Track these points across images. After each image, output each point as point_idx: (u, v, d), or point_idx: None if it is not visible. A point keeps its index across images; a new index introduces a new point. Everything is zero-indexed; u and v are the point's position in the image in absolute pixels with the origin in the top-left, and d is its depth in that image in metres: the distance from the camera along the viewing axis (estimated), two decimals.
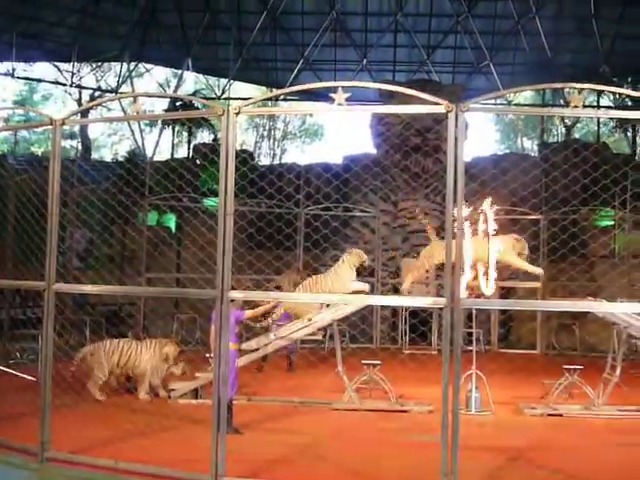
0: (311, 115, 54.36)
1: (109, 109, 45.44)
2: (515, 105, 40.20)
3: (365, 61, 42.22)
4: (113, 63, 44.07)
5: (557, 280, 24.02)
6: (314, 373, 16.34)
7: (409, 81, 35.21)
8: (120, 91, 42.34)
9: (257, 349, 14.53)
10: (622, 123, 37.96)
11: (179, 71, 44.18)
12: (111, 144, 55.30)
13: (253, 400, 14.23)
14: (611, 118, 38.33)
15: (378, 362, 14.48)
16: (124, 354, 14.40)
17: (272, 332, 14.82)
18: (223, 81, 43.83)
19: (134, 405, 13.65)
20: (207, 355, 13.42)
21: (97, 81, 45.83)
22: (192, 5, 40.20)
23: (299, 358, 18.69)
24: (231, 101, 40.07)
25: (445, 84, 35.60)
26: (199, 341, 22.11)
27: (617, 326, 14.72)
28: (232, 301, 8.65)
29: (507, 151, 49.62)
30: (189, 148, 37.24)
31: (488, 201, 13.88)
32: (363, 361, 14.51)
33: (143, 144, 44.06)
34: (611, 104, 40.94)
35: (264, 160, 49.54)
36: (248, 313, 12.64)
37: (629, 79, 39.32)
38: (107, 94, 43.40)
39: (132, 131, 45.03)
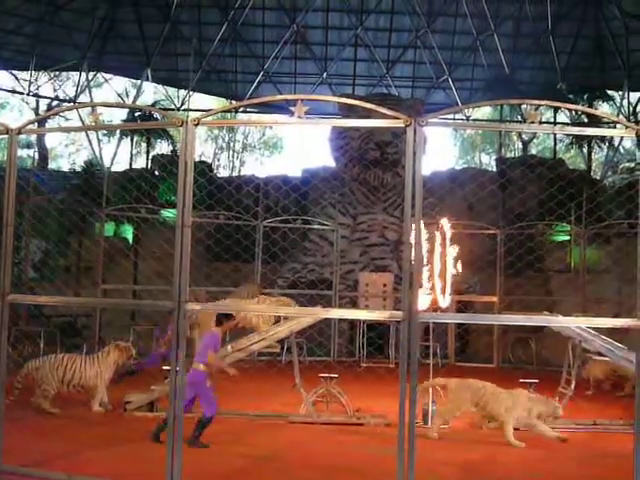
0: (270, 127, 54.46)
1: (67, 119, 45.07)
2: (473, 120, 40.55)
3: (325, 74, 42.41)
4: (71, 72, 43.69)
5: (513, 294, 24.24)
6: (271, 386, 16.27)
7: (369, 95, 35.39)
8: (78, 101, 42.00)
9: None
10: (578, 139, 38.50)
11: (138, 81, 43.99)
12: (68, 154, 54.77)
13: None
14: (567, 134, 38.94)
15: (335, 375, 14.45)
16: (68, 370, 14.11)
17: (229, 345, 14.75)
18: (183, 92, 43.68)
19: (88, 418, 13.48)
20: (164, 368, 13.32)
21: (55, 90, 45.42)
22: (152, 16, 40.12)
23: (257, 370, 18.58)
24: (190, 112, 39.97)
25: (404, 98, 35.88)
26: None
27: (572, 340, 14.87)
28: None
29: (465, 166, 50.01)
30: (147, 159, 37.01)
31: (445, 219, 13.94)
32: (320, 374, 14.47)
33: (101, 154, 43.70)
34: (568, 120, 41.49)
35: (223, 172, 49.46)
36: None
37: (585, 96, 39.91)
38: (65, 103, 43.00)
39: (90, 141, 44.62)
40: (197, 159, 37.06)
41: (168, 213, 27.00)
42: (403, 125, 7.94)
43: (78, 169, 36.77)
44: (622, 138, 36.41)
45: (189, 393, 10.82)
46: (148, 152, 37.92)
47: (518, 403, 12.61)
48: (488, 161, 55.72)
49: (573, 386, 14.46)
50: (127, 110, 38.78)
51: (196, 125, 8.37)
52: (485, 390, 12.89)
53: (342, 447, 11.69)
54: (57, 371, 14.03)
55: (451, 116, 34.77)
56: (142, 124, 31.96)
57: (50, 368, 14.03)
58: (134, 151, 40.69)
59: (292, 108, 8.18)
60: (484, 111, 46.54)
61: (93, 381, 14.21)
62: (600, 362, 16.89)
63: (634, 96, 42.73)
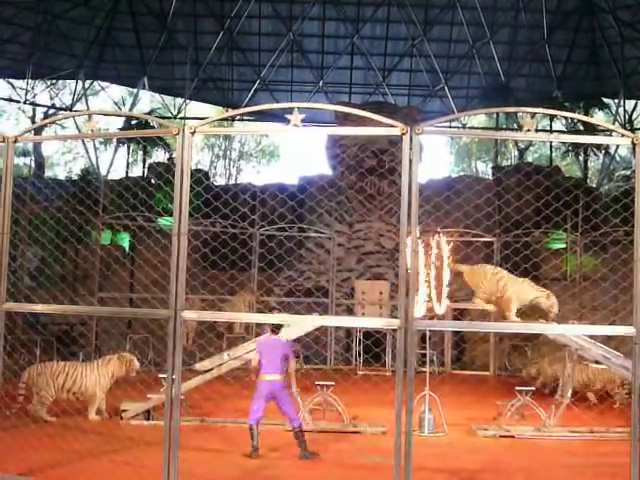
0: (267, 136, 54.46)
1: (63, 127, 45.08)
2: (469, 128, 40.59)
3: (321, 83, 42.47)
4: (68, 81, 43.65)
5: None
6: None
7: (365, 103, 35.46)
8: (75, 109, 41.97)
9: (211, 369, 14.41)
10: (574, 147, 38.59)
11: (135, 90, 44.02)
12: (65, 162, 54.74)
13: (206, 421, 14.12)
14: (563, 142, 39.02)
15: (332, 383, 14.45)
16: (69, 377, 14.12)
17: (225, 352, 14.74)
18: (179, 100, 43.72)
19: (85, 426, 13.45)
20: (160, 376, 13.31)
21: (51, 99, 45.34)
22: (149, 24, 40.17)
23: (253, 379, 18.52)
24: (187, 121, 39.98)
25: (400, 106, 35.91)
26: (151, 361, 21.89)
27: (568, 348, 14.88)
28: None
29: (461, 174, 50.04)
30: (144, 167, 37.00)
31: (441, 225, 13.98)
32: (317, 382, 14.47)
33: (97, 163, 43.66)
34: (563, 128, 41.57)
35: (219, 180, 49.48)
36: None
37: (581, 104, 40.05)
38: (61, 112, 42.98)
39: (86, 149, 44.59)
40: (193, 167, 36.99)
41: (165, 221, 26.99)
42: (399, 133, 7.96)
43: (75, 177, 36.78)
44: (618, 146, 36.40)
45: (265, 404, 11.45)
46: (144, 160, 37.91)
47: None
48: (484, 169, 55.82)
49: (570, 394, 14.46)
50: (124, 118, 38.76)
51: (192, 133, 8.38)
52: None
53: (339, 456, 11.68)
54: (57, 378, 14.04)
55: (447, 124, 34.81)
56: (138, 132, 31.86)
57: (51, 375, 14.03)
58: (130, 159, 40.67)
59: (288, 116, 8.19)
60: (480, 119, 46.60)
61: (92, 389, 14.20)
62: (584, 367, 16.85)
63: (630, 104, 42.83)
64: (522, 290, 14.26)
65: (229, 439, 12.63)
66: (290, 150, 56.33)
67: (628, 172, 35.67)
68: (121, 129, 36.89)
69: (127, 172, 39.73)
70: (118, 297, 24.67)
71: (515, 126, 40.42)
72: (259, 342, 12.64)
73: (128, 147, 39.53)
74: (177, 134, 8.39)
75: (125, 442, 12.00)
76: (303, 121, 8.20)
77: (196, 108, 46.06)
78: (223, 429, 13.51)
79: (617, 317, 20.84)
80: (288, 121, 8.20)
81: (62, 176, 45.07)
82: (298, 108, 8.21)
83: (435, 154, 50.68)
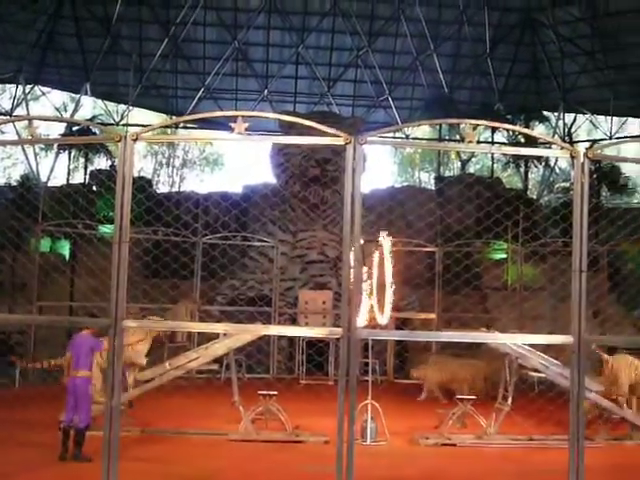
0: (211, 144, 54.17)
1: (2, 132, 44.23)
2: (413, 139, 40.98)
3: (266, 91, 42.42)
4: (8, 85, 42.95)
5: (451, 311, 24.46)
6: (210, 404, 16.13)
7: (309, 113, 35.55)
8: (14, 114, 41.30)
9: (152, 379, 14.25)
10: (515, 159, 39.13)
11: (77, 95, 43.42)
12: (4, 168, 53.72)
13: (147, 431, 13.94)
14: (504, 154, 39.57)
15: (274, 393, 14.41)
16: None
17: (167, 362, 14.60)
18: (122, 107, 43.27)
19: (21, 439, 13.17)
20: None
21: None
22: (92, 29, 39.68)
23: (195, 388, 18.41)
24: (130, 127, 39.61)
25: (345, 117, 36.09)
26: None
27: (509, 357, 15.05)
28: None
29: (404, 184, 50.36)
30: (85, 174, 36.52)
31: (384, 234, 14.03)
32: (259, 392, 14.41)
33: (37, 169, 42.95)
34: (505, 140, 42.12)
35: (162, 188, 49.01)
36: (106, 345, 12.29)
37: (522, 117, 40.64)
38: (0, 116, 42.23)
39: (26, 155, 43.83)
40: (136, 175, 36.72)
41: (106, 229, 26.71)
42: (343, 143, 7.98)
43: (14, 183, 36.15)
44: (557, 158, 37.08)
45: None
46: (86, 167, 37.40)
47: None
48: (427, 179, 56.24)
49: (510, 402, 14.62)
50: (65, 124, 38.22)
51: (135, 140, 8.29)
52: None
53: (281, 465, 11.65)
54: None
55: (391, 134, 34.95)
56: (80, 139, 31.43)
57: None
58: (72, 166, 40.11)
59: (232, 125, 8.15)
60: (423, 130, 46.99)
61: None
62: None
63: (569, 117, 43.69)
64: None
65: (171, 450, 12.50)
66: (234, 158, 56.13)
67: (567, 184, 36.28)
68: (62, 135, 36.35)
69: (68, 179, 39.18)
70: (57, 306, 24.29)
71: (458, 137, 40.86)
72: (71, 340, 12.51)
73: (69, 153, 38.95)
74: (119, 141, 8.29)
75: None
76: (247, 129, 8.17)
77: (139, 115, 45.62)
78: (164, 439, 13.36)
79: (556, 326, 21.24)
80: (232, 129, 8.16)
81: (1, 182, 44.30)
82: (242, 116, 8.18)
83: (379, 164, 50.96)
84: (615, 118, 42.15)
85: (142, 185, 26.94)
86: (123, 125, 41.39)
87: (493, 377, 19.74)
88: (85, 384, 11.53)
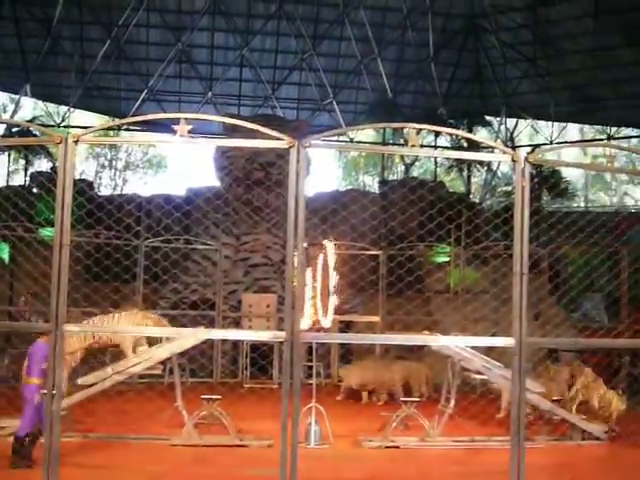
0: (154, 146, 53.73)
1: None
2: (357, 142, 41.13)
3: (210, 94, 42.23)
4: None
5: (395, 314, 24.59)
6: (152, 408, 15.97)
7: (254, 116, 35.50)
8: None
9: (94, 384, 14.06)
10: (458, 163, 39.57)
11: (17, 96, 42.72)
12: None
13: (89, 437, 13.75)
14: (447, 158, 40.05)
15: (218, 397, 14.32)
16: None
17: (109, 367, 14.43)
18: (63, 108, 42.68)
19: None
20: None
21: None
22: (32, 30, 39.07)
23: (137, 393, 18.22)
24: (71, 129, 39.11)
25: (289, 120, 36.09)
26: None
27: (451, 359, 15.18)
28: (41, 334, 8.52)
29: (349, 187, 50.54)
30: (25, 176, 35.98)
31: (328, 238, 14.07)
32: (202, 396, 14.31)
33: None
34: (448, 144, 42.58)
35: (104, 190, 48.46)
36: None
37: (465, 121, 41.11)
38: None
39: None
40: (77, 177, 36.29)
41: (46, 232, 26.27)
42: (287, 146, 7.97)
43: None
44: (500, 162, 37.59)
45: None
46: (26, 169, 36.87)
47: None
48: (371, 183, 56.53)
49: (452, 404, 14.74)
50: (4, 125, 37.61)
51: (76, 142, 8.18)
52: None
53: (224, 470, 11.58)
54: None
55: (335, 138, 35.18)
56: (20, 140, 30.87)
57: None
58: (11, 168, 39.49)
59: (176, 127, 8.10)
60: (367, 133, 47.23)
61: None
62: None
63: (511, 122, 44.33)
64: None
65: (112, 455, 12.34)
66: (178, 161, 55.78)
67: (509, 188, 36.75)
68: (1, 136, 35.78)
69: (7, 181, 38.55)
70: None
71: (401, 141, 41.16)
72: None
73: (9, 155, 38.38)
74: (60, 143, 8.17)
75: (2, 460, 11.57)
76: (191, 132, 8.12)
77: (81, 117, 45.11)
78: (106, 445, 13.19)
79: (498, 328, 21.49)
80: (175, 132, 8.10)
81: None
82: (185, 119, 8.13)
83: (323, 168, 51.08)
84: (556, 123, 42.91)
85: (83, 187, 26.57)
86: (65, 127, 40.86)
87: (417, 378, 20.18)
88: (32, 392, 11.34)
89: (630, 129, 44.85)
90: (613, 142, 40.88)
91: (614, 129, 41.44)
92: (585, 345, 20.54)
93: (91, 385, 14.06)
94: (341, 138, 40.35)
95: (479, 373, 15.41)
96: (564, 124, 43.56)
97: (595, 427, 15.03)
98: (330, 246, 13.88)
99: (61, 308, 8.01)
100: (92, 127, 10.45)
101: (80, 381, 14.12)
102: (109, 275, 19.63)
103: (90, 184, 34.21)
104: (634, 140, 49.77)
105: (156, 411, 15.24)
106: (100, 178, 52.29)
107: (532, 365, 18.74)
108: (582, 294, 28.52)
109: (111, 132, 43.04)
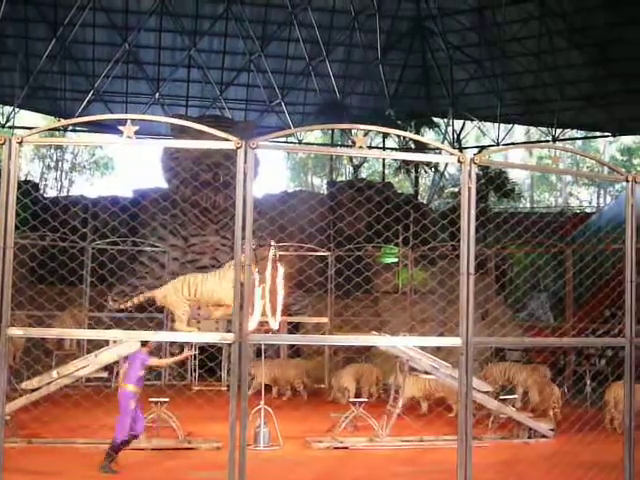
0: (101, 147, 53.22)
1: None
2: (305, 144, 41.17)
3: (157, 95, 41.92)
4: None
5: (343, 315, 24.66)
6: (100, 412, 15.80)
7: (201, 117, 35.26)
8: None
9: (38, 388, 13.87)
10: (406, 164, 39.85)
11: None
12: None
13: (34, 442, 13.56)
14: (395, 159, 40.30)
15: (166, 399, 14.24)
16: None
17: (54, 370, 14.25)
18: (8, 109, 41.95)
19: None
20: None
21: None
22: None
23: (84, 397, 17.99)
24: (15, 130, 38.53)
25: (237, 121, 35.99)
26: None
27: (399, 359, 15.28)
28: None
29: (297, 188, 50.62)
30: None
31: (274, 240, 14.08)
32: (150, 399, 14.21)
33: None
34: (396, 146, 42.83)
35: (50, 192, 47.86)
36: (154, 361, 12.66)
37: (412, 123, 41.41)
38: None
39: None
40: (22, 178, 35.75)
41: None
42: (234, 147, 7.94)
43: None
44: (447, 164, 37.92)
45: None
46: None
47: None
48: (320, 184, 56.69)
49: (400, 404, 14.83)
50: None
51: (20, 143, 8.05)
52: None
53: (172, 473, 11.53)
54: None
55: (283, 139, 35.19)
56: None
57: None
58: None
59: (122, 128, 8.02)
60: (316, 135, 47.39)
61: None
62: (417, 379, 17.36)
63: (458, 124, 44.76)
64: None
65: (58, 460, 12.19)
66: (124, 162, 55.37)
67: (456, 189, 37.14)
68: None
69: None
70: None
71: (350, 142, 41.34)
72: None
73: None
74: (3, 144, 8.04)
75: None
76: (138, 133, 8.05)
77: (26, 117, 44.48)
78: (52, 450, 13.02)
79: (445, 329, 21.68)
80: (122, 133, 8.03)
81: None
82: (132, 120, 8.05)
83: (272, 169, 51.09)
84: (502, 125, 43.38)
85: (28, 189, 26.19)
86: (9, 127, 40.22)
87: (368, 378, 20.28)
88: (127, 398, 11.65)
89: (575, 131, 45.60)
90: (558, 144, 41.45)
91: (559, 131, 42.02)
92: (531, 344, 20.84)
93: (36, 389, 13.88)
94: (289, 139, 40.40)
95: (427, 373, 15.53)
96: (510, 126, 44.07)
97: (541, 425, 15.26)
98: (276, 248, 13.90)
99: (5, 311, 7.88)
100: (37, 128, 10.32)
101: (24, 385, 13.93)
102: (55, 278, 19.37)
103: (35, 185, 33.76)
104: (579, 142, 50.75)
105: (103, 415, 15.09)
106: (46, 179, 51.66)
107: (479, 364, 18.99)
108: (528, 294, 28.95)
109: (57, 133, 42.53)
